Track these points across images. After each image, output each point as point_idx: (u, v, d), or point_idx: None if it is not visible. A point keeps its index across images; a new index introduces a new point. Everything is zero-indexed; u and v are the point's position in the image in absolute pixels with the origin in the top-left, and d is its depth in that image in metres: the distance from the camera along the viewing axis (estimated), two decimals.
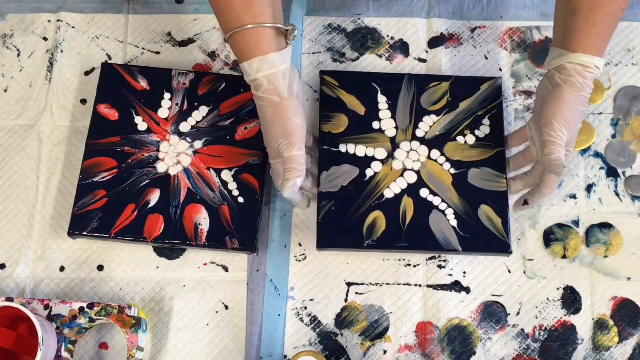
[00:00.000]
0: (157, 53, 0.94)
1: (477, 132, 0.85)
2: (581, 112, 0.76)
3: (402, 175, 0.84)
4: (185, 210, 0.84)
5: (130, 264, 0.85)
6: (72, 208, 0.84)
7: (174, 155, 0.86)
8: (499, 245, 0.81)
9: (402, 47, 0.93)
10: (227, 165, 0.86)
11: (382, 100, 0.86)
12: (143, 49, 0.94)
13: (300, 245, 0.86)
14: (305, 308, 0.84)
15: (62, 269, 0.85)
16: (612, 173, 0.88)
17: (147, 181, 0.85)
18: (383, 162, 0.84)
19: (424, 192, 0.83)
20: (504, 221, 0.81)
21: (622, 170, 0.88)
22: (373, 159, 0.84)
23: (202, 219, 0.83)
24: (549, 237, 0.86)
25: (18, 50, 0.94)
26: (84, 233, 0.83)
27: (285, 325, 0.83)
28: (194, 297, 0.84)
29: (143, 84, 0.89)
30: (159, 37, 0.94)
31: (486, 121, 0.86)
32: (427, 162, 0.84)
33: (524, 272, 0.85)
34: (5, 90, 0.92)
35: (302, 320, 0.83)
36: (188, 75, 0.89)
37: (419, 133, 0.85)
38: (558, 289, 0.84)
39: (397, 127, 0.85)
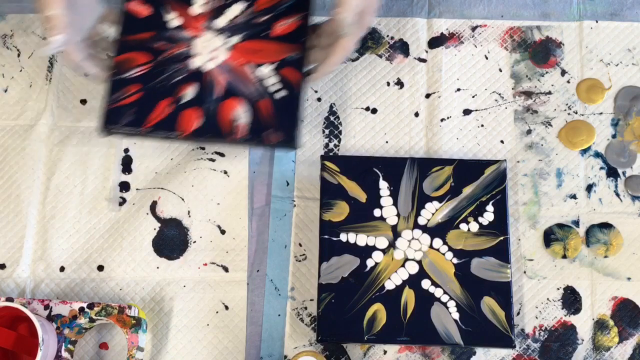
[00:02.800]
0: None
1: (480, 219, 0.84)
2: None
3: (403, 265, 0.82)
4: (222, 105, 0.82)
5: (130, 264, 0.85)
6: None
7: (209, 51, 0.85)
8: (502, 339, 0.80)
9: (402, 47, 0.93)
10: (265, 60, 0.84)
11: (383, 187, 0.85)
12: None
13: (300, 245, 0.86)
14: (305, 308, 0.84)
15: (62, 269, 0.85)
16: (612, 173, 0.88)
17: (181, 76, 0.83)
18: (384, 251, 0.83)
19: (426, 284, 0.82)
20: (507, 314, 0.80)
21: (622, 170, 0.88)
22: (374, 248, 0.83)
23: (240, 114, 0.82)
24: (549, 237, 0.86)
25: (18, 50, 0.94)
26: (118, 127, 0.81)
27: (285, 325, 0.83)
28: (194, 297, 0.84)
29: None
30: None
31: (490, 207, 0.84)
32: (429, 252, 0.83)
33: (524, 272, 0.85)
34: (5, 90, 0.92)
35: (302, 320, 0.83)
36: None
37: (421, 220, 0.84)
38: (558, 289, 0.84)
39: (398, 215, 0.84)
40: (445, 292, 0.81)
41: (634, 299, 0.84)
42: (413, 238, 0.84)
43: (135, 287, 0.85)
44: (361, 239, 0.83)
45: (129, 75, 0.83)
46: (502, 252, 0.83)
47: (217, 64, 0.84)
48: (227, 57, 0.84)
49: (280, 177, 0.88)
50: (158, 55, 0.83)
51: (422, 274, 0.82)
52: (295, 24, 0.85)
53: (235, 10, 0.86)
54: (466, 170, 0.85)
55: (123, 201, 0.88)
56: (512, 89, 0.91)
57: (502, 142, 0.90)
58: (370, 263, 0.83)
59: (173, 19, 0.85)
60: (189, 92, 0.83)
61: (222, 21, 0.85)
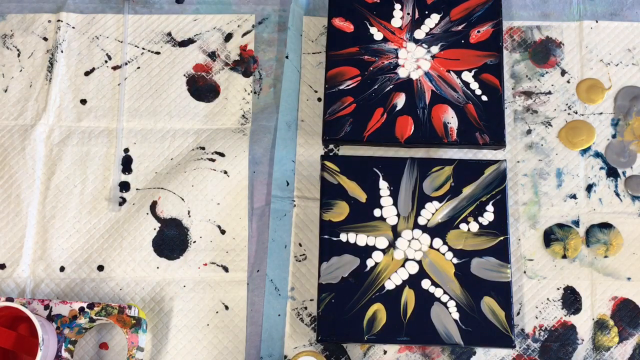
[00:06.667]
0: (157, 53, 0.94)
1: (480, 219, 0.84)
2: None
3: (403, 265, 0.82)
4: (432, 110, 0.87)
5: (130, 264, 0.85)
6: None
7: (413, 61, 0.89)
8: (502, 339, 0.80)
9: None
10: (466, 66, 0.89)
11: (383, 187, 0.85)
12: (143, 49, 0.94)
13: (300, 245, 0.86)
14: (305, 308, 0.84)
15: (62, 269, 0.85)
16: (612, 173, 0.88)
17: (391, 86, 0.88)
18: (384, 251, 0.83)
19: (426, 283, 0.82)
20: (507, 314, 0.80)
21: (622, 170, 0.88)
22: (374, 248, 0.83)
23: (450, 118, 0.86)
24: (549, 237, 0.86)
25: (18, 50, 0.94)
26: (338, 137, 0.87)
27: (285, 325, 0.83)
28: (194, 297, 0.84)
29: None
30: (159, 37, 0.94)
31: (490, 207, 0.84)
32: (429, 252, 0.83)
33: (524, 272, 0.85)
34: (5, 90, 0.92)
35: (302, 320, 0.83)
36: None
37: (421, 220, 0.84)
38: (558, 289, 0.84)
39: (398, 215, 0.84)
40: (445, 292, 0.81)
41: (634, 299, 0.84)
42: (413, 238, 0.84)
43: (135, 287, 0.85)
44: (361, 239, 0.83)
45: (343, 88, 0.88)
46: (502, 252, 0.82)
47: (423, 72, 0.89)
48: (430, 66, 0.89)
49: (280, 177, 0.88)
50: (366, 68, 0.89)
51: (422, 274, 0.82)
52: (490, 31, 0.90)
53: (432, 21, 0.91)
54: (466, 170, 0.85)
55: (123, 201, 0.88)
56: (512, 89, 0.91)
57: None
58: (370, 263, 0.83)
59: (375, 33, 0.90)
60: (400, 101, 0.87)
61: (421, 32, 0.91)
